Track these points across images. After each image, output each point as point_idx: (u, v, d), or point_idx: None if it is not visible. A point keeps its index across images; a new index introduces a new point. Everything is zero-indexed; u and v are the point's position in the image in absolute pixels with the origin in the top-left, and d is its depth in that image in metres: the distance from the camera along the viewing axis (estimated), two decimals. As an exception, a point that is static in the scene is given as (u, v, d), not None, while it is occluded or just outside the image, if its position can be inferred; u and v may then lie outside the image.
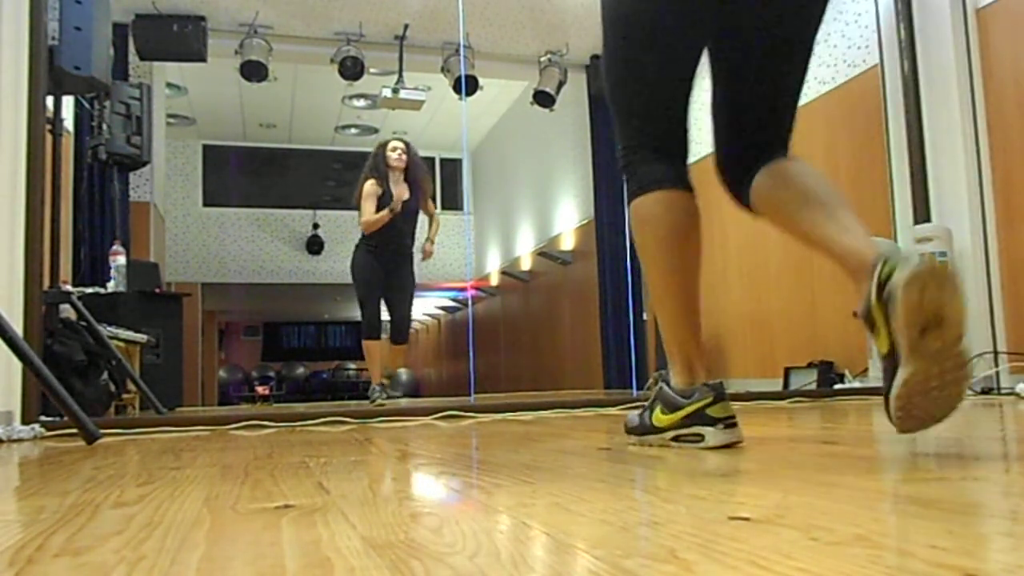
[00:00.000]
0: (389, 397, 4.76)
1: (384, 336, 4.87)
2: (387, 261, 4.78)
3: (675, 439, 1.57)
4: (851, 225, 1.38)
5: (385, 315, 4.88)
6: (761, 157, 1.64)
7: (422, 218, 4.98)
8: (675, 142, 1.71)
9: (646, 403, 1.69)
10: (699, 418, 1.53)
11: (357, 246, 4.85)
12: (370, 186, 4.74)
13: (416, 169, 4.89)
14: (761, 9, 1.58)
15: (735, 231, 5.94)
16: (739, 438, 1.54)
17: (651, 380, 1.44)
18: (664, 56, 1.67)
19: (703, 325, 1.74)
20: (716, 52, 1.69)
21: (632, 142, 1.71)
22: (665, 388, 1.61)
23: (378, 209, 4.68)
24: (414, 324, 5.02)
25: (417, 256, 4.95)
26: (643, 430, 1.65)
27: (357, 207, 4.78)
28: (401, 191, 4.79)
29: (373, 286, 4.78)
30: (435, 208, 5.01)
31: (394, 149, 4.83)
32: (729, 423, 1.52)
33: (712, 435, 1.51)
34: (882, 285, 1.19)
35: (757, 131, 1.69)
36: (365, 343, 4.86)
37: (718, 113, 1.75)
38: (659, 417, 1.60)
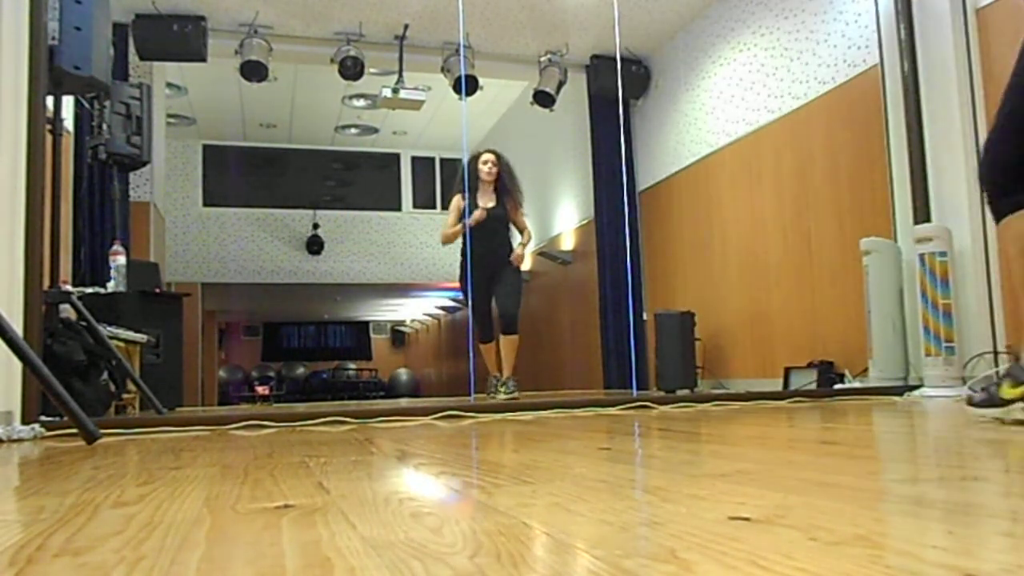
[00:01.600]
0: (509, 393, 4.82)
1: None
2: (487, 268, 4.89)
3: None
4: None
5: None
6: None
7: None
8: None
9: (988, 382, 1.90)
10: None
11: (461, 262, 5.03)
12: (456, 200, 4.93)
13: (506, 180, 4.99)
14: None
15: (735, 231, 5.94)
16: None
17: (1005, 358, 1.74)
18: None
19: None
20: None
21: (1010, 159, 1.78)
22: (1016, 364, 1.80)
23: (462, 219, 4.83)
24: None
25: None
26: (990, 402, 1.85)
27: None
28: (487, 201, 4.93)
29: (480, 291, 4.91)
30: (526, 222, 5.11)
31: (485, 162, 4.95)
32: None
33: None
34: None
35: None
36: (480, 347, 5.04)
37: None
38: (1007, 390, 1.79)
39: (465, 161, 5.00)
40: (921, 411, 2.78)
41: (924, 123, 4.23)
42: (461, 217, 4.87)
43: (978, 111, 4.06)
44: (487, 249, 4.88)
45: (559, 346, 8.77)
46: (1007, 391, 1.78)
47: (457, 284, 5.16)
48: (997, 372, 1.87)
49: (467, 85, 6.56)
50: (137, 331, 4.42)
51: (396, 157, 11.66)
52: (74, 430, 2.34)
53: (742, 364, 5.85)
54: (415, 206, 11.62)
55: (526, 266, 9.77)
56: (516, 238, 5.04)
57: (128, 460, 1.78)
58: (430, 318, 16.80)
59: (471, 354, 4.88)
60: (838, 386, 4.35)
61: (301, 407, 5.54)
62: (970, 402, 1.95)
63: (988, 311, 3.96)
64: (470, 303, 4.97)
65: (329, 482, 1.18)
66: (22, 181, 2.88)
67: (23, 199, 2.87)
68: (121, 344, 4.09)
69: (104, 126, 4.80)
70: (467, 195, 4.93)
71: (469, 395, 5.05)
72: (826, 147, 5.06)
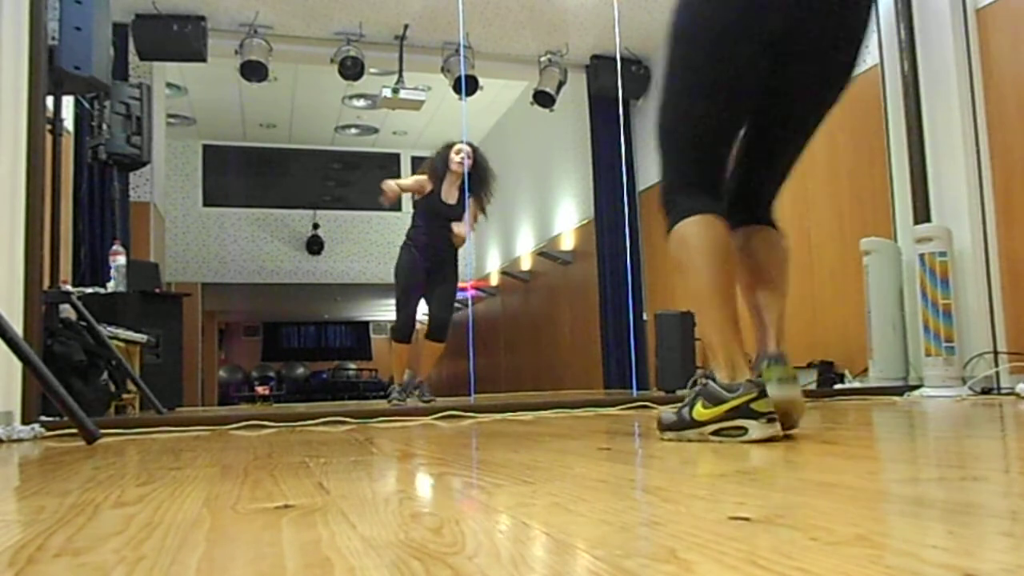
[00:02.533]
0: (424, 399, 4.52)
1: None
2: (429, 262, 4.56)
3: (716, 432, 1.64)
4: (782, 319, 2.01)
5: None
6: (761, 204, 1.99)
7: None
8: (721, 185, 1.87)
9: (681, 401, 1.80)
10: (743, 412, 1.61)
11: (403, 245, 4.66)
12: (423, 178, 4.56)
13: (476, 180, 4.61)
14: (811, 74, 1.85)
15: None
16: (779, 433, 1.61)
17: (694, 378, 1.62)
18: (734, 97, 1.83)
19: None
20: (769, 105, 1.89)
21: (683, 179, 1.85)
22: (712, 383, 1.69)
23: (418, 207, 4.56)
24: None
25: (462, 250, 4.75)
26: (682, 425, 1.71)
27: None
28: (451, 193, 4.58)
29: (412, 287, 4.57)
30: (476, 220, 4.75)
31: (458, 152, 4.56)
32: (771, 418, 1.61)
33: (756, 428, 1.59)
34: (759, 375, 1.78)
35: (770, 181, 2.02)
36: (395, 345, 4.74)
37: (750, 154, 1.96)
38: (700, 411, 1.68)
39: (465, 163, 4.66)
40: (921, 411, 2.78)
41: (924, 123, 4.23)
42: (422, 202, 4.54)
43: (978, 111, 4.06)
44: (432, 244, 4.55)
45: (559, 346, 8.77)
46: (700, 412, 1.68)
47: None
48: (691, 393, 1.80)
49: (467, 85, 6.56)
50: (137, 331, 4.42)
51: (396, 157, 11.66)
52: (74, 430, 2.34)
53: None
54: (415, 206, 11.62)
55: (526, 266, 9.81)
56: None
57: (128, 460, 1.78)
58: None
59: (471, 354, 4.85)
60: (838, 386, 4.36)
61: (301, 407, 5.54)
62: (660, 425, 1.79)
63: (988, 311, 3.96)
64: (399, 296, 4.58)
65: (329, 482, 1.18)
66: (22, 181, 2.88)
67: (23, 199, 2.87)
68: (121, 344, 4.09)
69: (104, 126, 4.80)
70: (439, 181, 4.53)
71: (469, 395, 5.05)
72: (826, 147, 5.05)
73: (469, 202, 4.59)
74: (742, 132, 1.89)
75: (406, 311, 4.58)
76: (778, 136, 1.97)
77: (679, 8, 1.85)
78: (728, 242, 1.78)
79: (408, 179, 4.66)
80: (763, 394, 1.63)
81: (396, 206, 5.11)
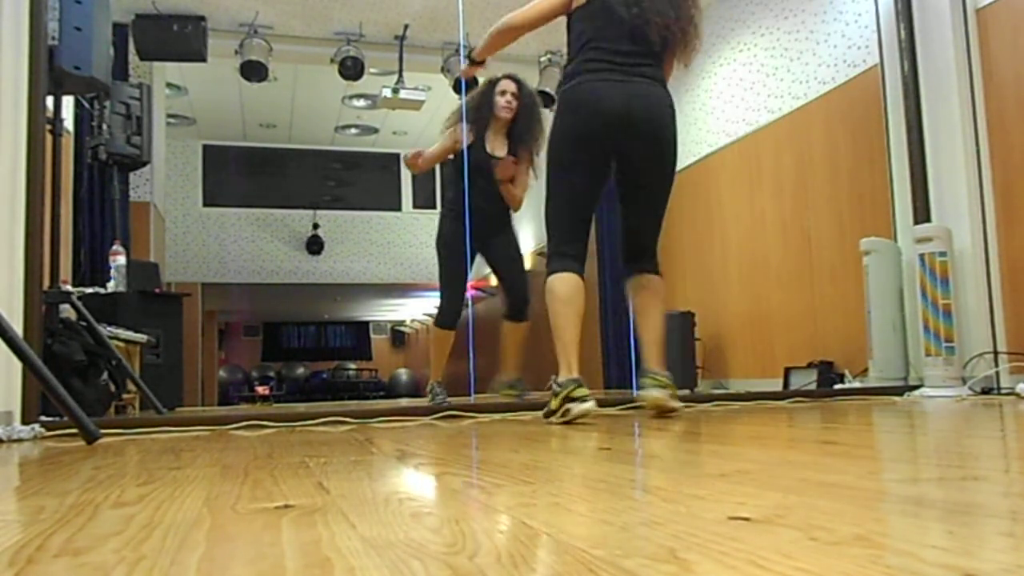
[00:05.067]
0: (520, 394, 3.89)
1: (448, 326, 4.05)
2: (477, 231, 3.81)
3: (562, 415, 2.48)
4: (656, 345, 2.82)
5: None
6: (643, 258, 2.88)
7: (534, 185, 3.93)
8: (581, 249, 2.78)
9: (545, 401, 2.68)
10: (569, 398, 2.48)
11: (442, 215, 4.01)
12: (453, 133, 3.83)
13: (524, 122, 3.87)
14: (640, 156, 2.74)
15: (735, 231, 5.94)
16: (588, 411, 2.47)
17: (550, 381, 2.64)
18: (589, 182, 2.74)
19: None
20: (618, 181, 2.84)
21: (559, 249, 2.74)
22: (555, 383, 2.57)
23: (453, 165, 3.82)
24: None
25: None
26: (549, 413, 2.57)
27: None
28: (497, 146, 3.86)
29: (458, 263, 3.84)
30: (529, 178, 3.94)
31: (503, 92, 3.86)
32: (583, 399, 2.46)
33: (575, 407, 2.46)
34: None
35: (645, 238, 2.89)
36: (436, 332, 4.00)
37: (625, 224, 2.93)
38: (553, 402, 2.55)
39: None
40: (921, 411, 2.78)
41: (924, 123, 4.22)
42: (457, 156, 3.82)
43: (978, 111, 4.06)
44: (480, 207, 3.81)
45: (559, 346, 8.75)
46: (553, 402, 2.57)
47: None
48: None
49: (467, 85, 6.55)
50: (137, 331, 4.42)
51: (396, 157, 11.66)
52: (74, 430, 2.34)
53: (742, 364, 5.85)
54: (415, 206, 11.62)
55: (526, 266, 9.77)
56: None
57: (128, 460, 1.78)
58: (430, 318, 16.73)
59: (471, 354, 4.82)
60: (838, 386, 4.35)
61: (301, 407, 5.54)
62: (544, 414, 2.67)
63: (988, 311, 3.96)
64: (442, 275, 3.93)
65: (329, 482, 1.18)
66: (22, 181, 2.88)
67: (23, 199, 2.87)
68: (121, 344, 4.09)
69: (104, 126, 4.81)
70: (465, 129, 3.83)
71: (469, 395, 5.04)
72: (826, 147, 5.05)
73: (521, 151, 3.89)
74: (593, 212, 2.79)
75: (450, 292, 3.89)
76: (638, 210, 2.82)
77: (550, 139, 2.76)
78: (577, 289, 2.66)
79: (435, 147, 3.91)
80: (579, 385, 2.49)
81: (396, 206, 5.04)
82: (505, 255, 4.02)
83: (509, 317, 4.04)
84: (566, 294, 2.65)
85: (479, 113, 3.90)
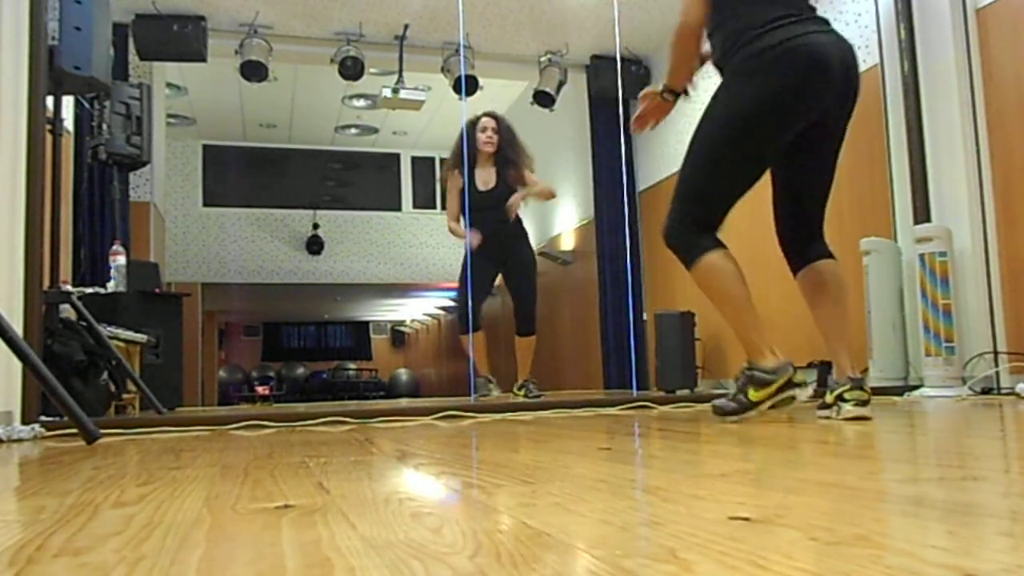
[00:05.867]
0: (530, 394, 4.35)
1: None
2: (492, 255, 4.35)
3: (772, 407, 2.21)
4: (839, 341, 2.48)
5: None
6: (813, 241, 2.49)
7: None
8: (721, 223, 2.39)
9: (730, 391, 2.36)
10: (790, 384, 2.22)
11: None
12: (453, 179, 4.32)
13: (507, 151, 4.40)
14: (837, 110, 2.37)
15: (735, 230, 5.93)
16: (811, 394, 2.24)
17: (740, 372, 2.22)
18: (767, 155, 2.35)
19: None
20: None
21: (710, 221, 2.36)
22: (756, 372, 2.24)
23: (463, 203, 4.28)
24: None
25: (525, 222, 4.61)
26: (743, 408, 2.25)
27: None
28: (488, 176, 4.37)
29: (482, 282, 4.37)
30: (535, 179, 4.49)
31: (484, 129, 4.39)
32: (805, 387, 2.23)
33: (801, 392, 2.23)
34: (841, 396, 2.31)
35: (813, 216, 2.49)
36: (463, 338, 4.50)
37: (788, 204, 2.52)
38: (755, 394, 2.23)
39: (465, 163, 4.55)
40: (921, 411, 2.78)
41: (924, 123, 4.23)
42: (461, 198, 4.32)
43: (978, 111, 4.06)
44: (491, 234, 4.34)
45: (559, 346, 8.77)
46: (755, 394, 2.22)
47: (457, 284, 4.67)
48: (740, 383, 2.30)
49: (467, 85, 6.56)
50: (137, 331, 4.42)
51: (396, 157, 11.66)
52: (74, 430, 2.34)
53: (742, 364, 5.85)
54: (415, 206, 11.61)
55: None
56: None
57: (128, 460, 1.78)
58: (430, 318, 16.79)
59: (471, 354, 4.82)
60: (838, 386, 4.35)
61: (301, 407, 5.54)
62: (719, 411, 2.31)
63: (988, 311, 3.96)
64: (469, 294, 4.40)
65: (329, 482, 1.18)
66: (22, 181, 2.88)
67: (23, 199, 2.87)
68: (121, 344, 4.09)
69: (104, 126, 4.80)
70: (465, 169, 4.33)
71: (469, 395, 5.04)
72: (826, 147, 5.04)
73: (511, 176, 4.37)
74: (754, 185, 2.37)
75: (464, 307, 4.37)
76: (818, 182, 2.44)
77: (719, 94, 2.38)
78: (739, 269, 2.32)
79: (450, 202, 4.39)
80: (795, 369, 2.23)
81: (396, 206, 5.03)
82: (520, 273, 4.52)
83: (519, 333, 4.60)
84: (734, 270, 2.32)
85: (462, 155, 4.39)
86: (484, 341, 4.59)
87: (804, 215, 2.44)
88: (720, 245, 2.30)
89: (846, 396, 2.24)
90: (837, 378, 2.35)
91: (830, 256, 2.46)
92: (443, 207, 5.17)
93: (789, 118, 2.25)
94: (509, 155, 4.39)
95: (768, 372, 2.20)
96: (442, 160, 11.63)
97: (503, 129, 4.42)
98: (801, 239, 2.46)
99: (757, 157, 2.31)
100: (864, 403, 2.28)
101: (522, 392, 4.50)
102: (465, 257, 4.44)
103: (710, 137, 2.34)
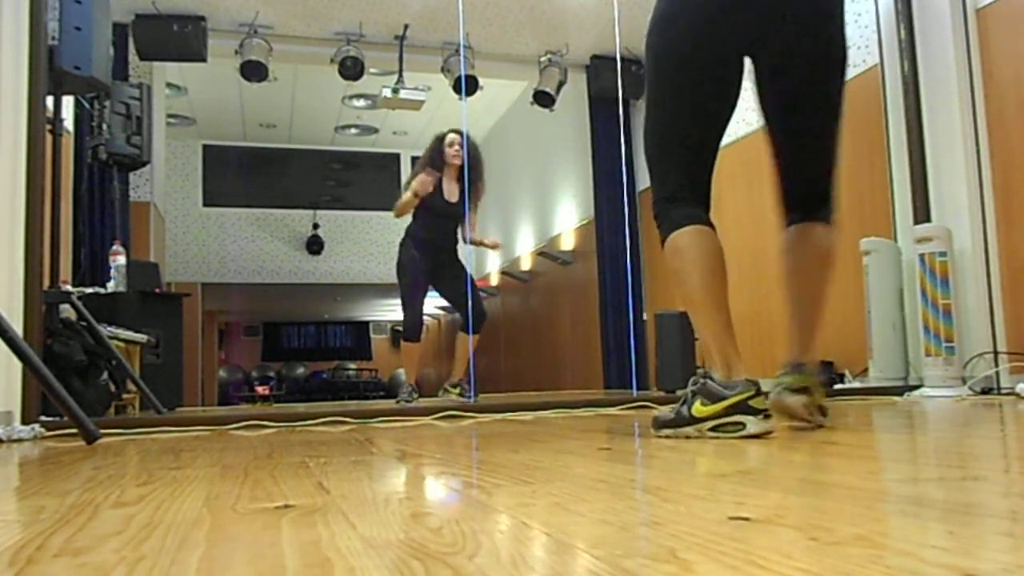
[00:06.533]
0: (463, 394, 4.50)
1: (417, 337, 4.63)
2: (432, 260, 4.51)
3: (714, 428, 1.72)
4: (802, 323, 1.99)
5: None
6: (813, 197, 2.10)
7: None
8: (707, 192, 1.93)
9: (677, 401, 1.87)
10: (741, 408, 1.69)
11: (402, 242, 4.60)
12: (425, 182, 4.44)
13: (472, 170, 4.58)
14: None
15: (735, 230, 5.94)
16: (774, 428, 1.71)
17: (692, 379, 1.66)
18: (717, 88, 1.93)
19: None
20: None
21: (676, 192, 1.92)
22: (710, 382, 1.77)
23: (422, 205, 4.41)
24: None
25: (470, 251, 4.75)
26: (681, 422, 1.78)
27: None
28: (452, 189, 4.55)
29: (417, 285, 4.50)
30: (476, 225, 4.69)
31: (451, 144, 4.57)
32: (767, 414, 1.70)
33: (753, 423, 1.68)
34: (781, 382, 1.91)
35: (812, 170, 2.13)
36: (404, 345, 4.60)
37: (782, 152, 2.12)
38: (699, 408, 1.75)
39: (465, 163, 4.66)
40: (921, 411, 2.78)
41: (924, 123, 4.23)
42: (425, 202, 4.41)
43: (978, 111, 4.06)
44: (432, 240, 4.50)
45: (559, 346, 8.77)
46: (699, 409, 1.75)
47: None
48: (687, 392, 1.83)
49: (467, 85, 6.56)
50: (137, 331, 4.42)
51: (396, 157, 11.66)
52: (74, 430, 2.34)
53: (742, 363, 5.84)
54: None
55: (526, 266, 9.81)
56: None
57: (128, 460, 1.78)
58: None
59: (471, 354, 4.83)
60: (838, 386, 4.35)
61: (301, 407, 5.54)
62: (655, 422, 1.87)
63: (988, 311, 3.96)
64: (404, 295, 4.48)
65: (329, 482, 1.18)
66: (22, 181, 2.88)
67: (23, 199, 2.88)
68: (121, 344, 4.09)
69: (104, 126, 4.80)
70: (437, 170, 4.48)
71: (469, 395, 5.04)
72: (826, 147, 5.05)
73: (469, 201, 4.58)
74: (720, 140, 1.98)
75: (412, 310, 4.49)
76: (795, 123, 2.05)
77: (650, 27, 1.95)
78: (718, 249, 1.84)
79: (413, 187, 4.44)
80: (759, 392, 1.71)
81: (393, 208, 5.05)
82: (453, 284, 4.62)
83: (463, 329, 4.64)
84: (699, 253, 1.83)
85: (433, 164, 4.55)
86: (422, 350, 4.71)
87: (801, 171, 2.10)
88: (695, 221, 1.84)
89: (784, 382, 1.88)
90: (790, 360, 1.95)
91: (827, 221, 2.06)
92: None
93: (707, 43, 1.87)
94: (472, 175, 4.59)
95: (722, 385, 1.74)
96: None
97: (470, 146, 4.62)
98: (799, 195, 2.08)
99: (694, 86, 1.89)
100: (803, 390, 1.87)
101: (456, 390, 4.58)
102: (406, 264, 4.53)
103: (648, 89, 1.98)
